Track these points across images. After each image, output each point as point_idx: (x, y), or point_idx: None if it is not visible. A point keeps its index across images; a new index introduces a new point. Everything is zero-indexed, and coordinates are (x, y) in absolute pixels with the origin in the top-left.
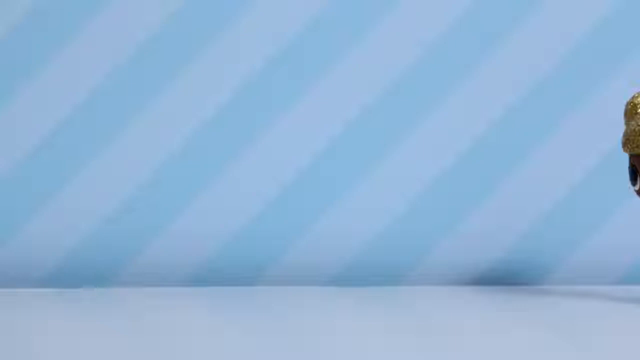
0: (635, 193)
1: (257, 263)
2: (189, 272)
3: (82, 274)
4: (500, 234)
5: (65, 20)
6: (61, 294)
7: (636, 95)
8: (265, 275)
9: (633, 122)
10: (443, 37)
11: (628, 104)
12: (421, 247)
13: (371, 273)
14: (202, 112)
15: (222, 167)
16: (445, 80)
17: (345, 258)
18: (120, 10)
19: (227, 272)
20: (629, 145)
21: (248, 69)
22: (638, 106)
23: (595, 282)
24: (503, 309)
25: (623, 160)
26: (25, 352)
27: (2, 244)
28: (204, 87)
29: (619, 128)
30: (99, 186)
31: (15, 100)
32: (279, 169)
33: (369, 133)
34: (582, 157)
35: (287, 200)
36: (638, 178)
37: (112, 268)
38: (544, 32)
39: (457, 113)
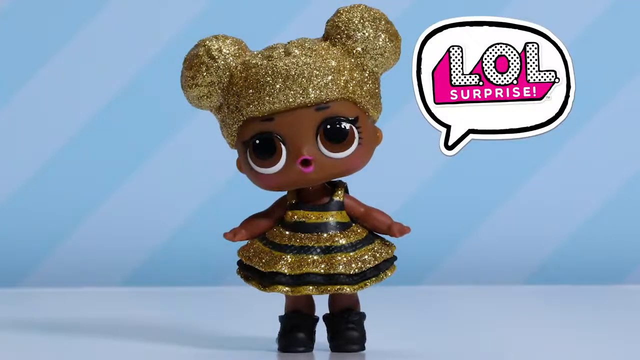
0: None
1: None
2: (189, 273)
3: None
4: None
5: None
6: (60, 293)
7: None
8: None
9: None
10: None
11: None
12: (440, 248)
13: None
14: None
15: (221, 169)
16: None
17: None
18: (120, 15)
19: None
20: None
21: None
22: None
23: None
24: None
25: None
26: (26, 352)
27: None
28: None
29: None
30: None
31: (15, 103)
32: None
33: None
34: (591, 160)
35: None
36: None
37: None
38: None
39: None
